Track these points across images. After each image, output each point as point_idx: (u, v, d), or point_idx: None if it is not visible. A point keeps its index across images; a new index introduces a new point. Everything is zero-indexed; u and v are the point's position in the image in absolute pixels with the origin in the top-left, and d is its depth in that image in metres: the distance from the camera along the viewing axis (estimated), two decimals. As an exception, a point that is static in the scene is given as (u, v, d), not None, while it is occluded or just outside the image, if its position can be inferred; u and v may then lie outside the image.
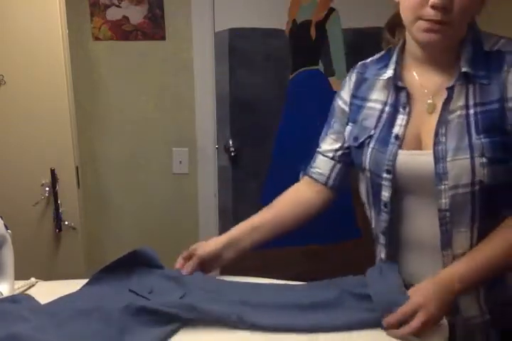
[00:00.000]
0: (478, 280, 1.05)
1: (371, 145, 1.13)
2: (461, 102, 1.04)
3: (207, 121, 2.38)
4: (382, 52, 1.20)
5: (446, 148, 1.04)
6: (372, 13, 2.30)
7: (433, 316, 0.97)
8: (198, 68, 2.32)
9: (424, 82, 1.10)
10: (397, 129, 1.10)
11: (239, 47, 2.33)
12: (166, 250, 2.49)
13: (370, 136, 1.14)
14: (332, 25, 2.31)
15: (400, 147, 1.09)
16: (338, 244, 2.55)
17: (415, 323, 0.96)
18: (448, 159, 1.03)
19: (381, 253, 1.20)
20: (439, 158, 1.04)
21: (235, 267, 2.63)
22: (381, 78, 1.15)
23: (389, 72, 1.12)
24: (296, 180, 2.62)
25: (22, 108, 1.95)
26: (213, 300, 1.07)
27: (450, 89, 1.05)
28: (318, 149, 1.31)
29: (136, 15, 2.25)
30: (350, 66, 2.43)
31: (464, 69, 1.03)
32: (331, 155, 1.27)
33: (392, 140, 1.10)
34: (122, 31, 2.27)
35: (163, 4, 2.24)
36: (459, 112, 1.04)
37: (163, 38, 2.28)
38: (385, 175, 1.10)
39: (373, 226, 1.22)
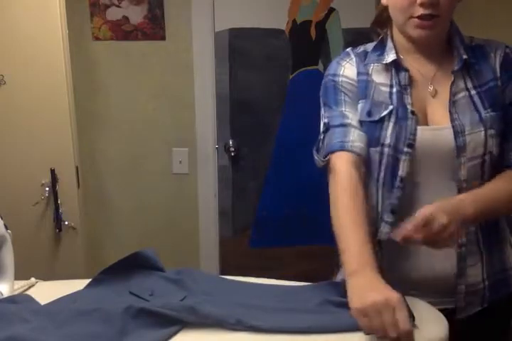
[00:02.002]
0: (485, 210, 1.10)
1: (392, 119, 1.16)
2: (462, 85, 1.16)
3: (207, 121, 2.38)
4: (375, 42, 1.25)
5: (462, 123, 1.13)
6: (372, 13, 2.30)
7: (448, 223, 1.00)
8: (198, 68, 2.32)
9: (420, 68, 1.19)
10: (409, 107, 1.17)
11: (239, 47, 2.33)
12: (166, 250, 2.50)
13: (391, 111, 1.17)
14: (332, 25, 2.31)
15: (417, 122, 1.15)
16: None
17: (436, 226, 0.98)
18: (466, 133, 1.13)
19: (384, 230, 1.17)
20: (457, 132, 1.13)
21: (235, 267, 2.63)
22: (383, 63, 1.20)
23: (391, 56, 1.18)
24: (296, 180, 2.61)
25: (22, 108, 1.95)
26: (213, 303, 1.07)
27: (456, 73, 1.16)
28: (348, 122, 1.19)
29: (136, 15, 2.25)
30: (350, 66, 2.42)
31: (465, 57, 1.15)
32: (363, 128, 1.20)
33: (410, 115, 1.15)
34: (122, 31, 2.27)
35: (163, 4, 2.24)
36: (463, 93, 1.16)
37: (163, 38, 2.28)
38: (406, 149, 1.14)
39: (379, 205, 1.20)
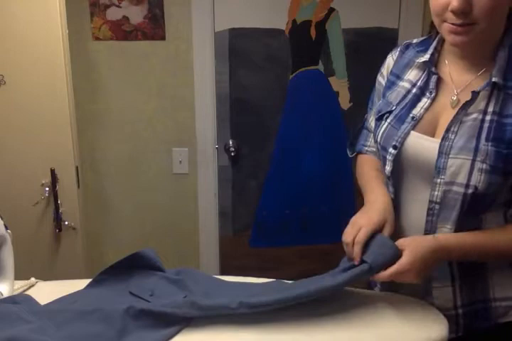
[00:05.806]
0: (467, 257, 1.10)
1: (388, 120, 1.18)
2: (481, 106, 1.07)
3: (207, 121, 2.38)
4: (427, 36, 1.22)
5: (452, 145, 1.07)
6: (372, 13, 2.31)
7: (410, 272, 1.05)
8: (198, 68, 2.32)
9: (455, 76, 1.13)
10: (417, 110, 1.14)
11: (239, 47, 2.33)
12: (166, 250, 2.50)
13: (390, 111, 1.18)
14: (332, 25, 2.31)
15: (413, 128, 1.14)
16: (338, 243, 2.55)
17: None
18: (450, 156, 1.07)
19: None
20: (442, 153, 1.08)
21: (235, 267, 2.63)
22: (418, 60, 1.18)
23: (426, 56, 1.16)
24: (296, 180, 2.61)
25: (22, 108, 1.95)
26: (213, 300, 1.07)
27: (475, 94, 1.07)
28: (369, 126, 1.34)
29: (136, 15, 2.25)
30: (350, 66, 2.45)
31: (494, 80, 1.05)
32: None
33: (409, 119, 1.14)
34: (122, 31, 2.27)
35: (163, 4, 2.24)
36: (475, 115, 1.07)
37: (163, 38, 2.28)
38: (391, 149, 1.15)
39: None
